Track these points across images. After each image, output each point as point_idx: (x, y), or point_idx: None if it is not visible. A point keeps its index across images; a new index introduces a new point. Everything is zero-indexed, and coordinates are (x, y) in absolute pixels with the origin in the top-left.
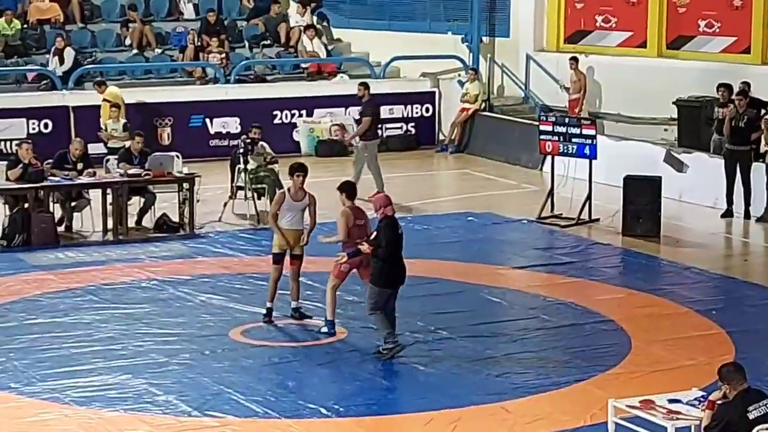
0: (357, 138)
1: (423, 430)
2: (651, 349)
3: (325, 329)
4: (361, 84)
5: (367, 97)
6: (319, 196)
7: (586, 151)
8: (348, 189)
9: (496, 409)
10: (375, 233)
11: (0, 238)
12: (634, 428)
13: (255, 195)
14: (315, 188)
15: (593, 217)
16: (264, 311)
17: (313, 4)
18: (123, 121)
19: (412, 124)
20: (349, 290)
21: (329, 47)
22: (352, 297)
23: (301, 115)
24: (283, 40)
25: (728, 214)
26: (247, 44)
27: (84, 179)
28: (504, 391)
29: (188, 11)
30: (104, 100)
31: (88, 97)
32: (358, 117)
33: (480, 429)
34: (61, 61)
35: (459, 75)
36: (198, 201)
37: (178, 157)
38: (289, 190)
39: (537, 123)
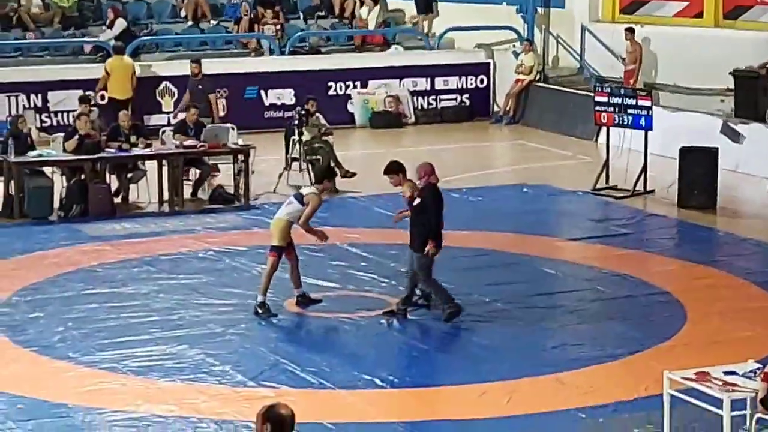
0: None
1: (478, 401)
2: (707, 321)
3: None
4: (194, 61)
5: (201, 75)
6: (372, 168)
7: (642, 122)
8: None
9: (551, 381)
10: (419, 200)
11: (58, 209)
12: (689, 400)
13: (309, 166)
14: (369, 160)
15: (649, 189)
16: (298, 295)
17: None
18: (95, 115)
19: (467, 95)
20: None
21: (386, 18)
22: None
23: (355, 87)
24: (337, 11)
25: None
26: (301, 16)
27: (140, 150)
28: (559, 362)
29: None
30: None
31: (144, 69)
32: (195, 95)
33: (535, 401)
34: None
35: (514, 46)
36: (253, 172)
37: (233, 128)
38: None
39: (592, 94)
